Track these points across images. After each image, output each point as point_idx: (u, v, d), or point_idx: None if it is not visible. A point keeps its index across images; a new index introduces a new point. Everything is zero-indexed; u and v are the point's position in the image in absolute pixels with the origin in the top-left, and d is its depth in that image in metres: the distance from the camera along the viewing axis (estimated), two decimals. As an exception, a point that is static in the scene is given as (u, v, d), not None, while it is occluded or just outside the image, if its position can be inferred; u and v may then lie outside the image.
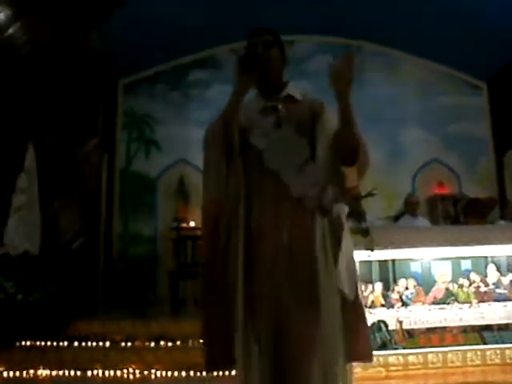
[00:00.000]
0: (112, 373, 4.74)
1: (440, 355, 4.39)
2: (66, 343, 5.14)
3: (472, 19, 7.77)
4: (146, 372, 4.82)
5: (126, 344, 5.15)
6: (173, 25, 7.89)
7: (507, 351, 4.45)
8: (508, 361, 4.43)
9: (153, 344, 5.18)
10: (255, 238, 2.19)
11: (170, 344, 5.18)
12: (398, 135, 9.32)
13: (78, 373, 4.72)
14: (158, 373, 4.85)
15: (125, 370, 4.79)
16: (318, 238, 2.21)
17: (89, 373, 4.73)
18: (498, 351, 4.44)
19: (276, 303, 2.11)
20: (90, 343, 5.13)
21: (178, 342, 5.20)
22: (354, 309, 2.22)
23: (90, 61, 7.22)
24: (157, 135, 9.22)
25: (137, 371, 4.80)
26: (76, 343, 5.14)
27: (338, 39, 8.97)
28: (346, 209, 2.32)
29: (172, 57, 9.24)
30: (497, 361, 4.42)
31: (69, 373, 4.73)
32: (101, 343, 5.12)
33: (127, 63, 8.57)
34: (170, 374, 4.85)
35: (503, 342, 4.47)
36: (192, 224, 8.56)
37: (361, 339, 2.24)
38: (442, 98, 9.66)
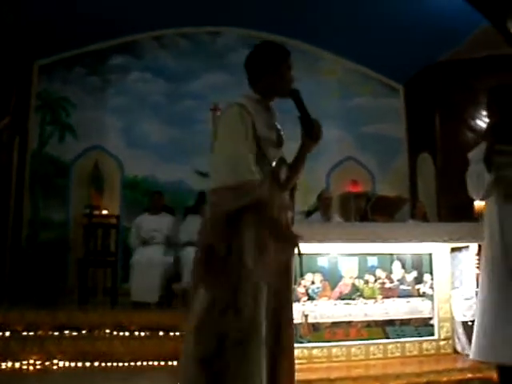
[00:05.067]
0: (10, 364, 4.58)
1: (344, 349, 4.48)
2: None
3: (392, 22, 7.97)
4: (47, 363, 4.68)
5: (27, 333, 4.97)
6: (94, 7, 7.66)
7: (407, 345, 4.61)
8: (408, 354, 4.59)
9: (56, 333, 5.03)
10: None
11: (74, 333, 5.05)
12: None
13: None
14: (61, 363, 4.72)
15: (24, 362, 4.63)
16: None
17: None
18: (399, 345, 4.59)
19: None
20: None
21: (84, 332, 5.08)
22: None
23: (2, 36, 6.91)
24: (72, 119, 8.91)
25: (37, 362, 4.65)
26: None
27: (260, 33, 8.95)
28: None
29: (92, 40, 8.95)
30: (397, 354, 4.57)
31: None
32: (0, 333, 4.91)
33: (44, 44, 8.26)
34: (73, 364, 4.74)
35: (404, 336, 4.63)
36: (104, 212, 8.38)
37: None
38: (359, 97, 9.87)
